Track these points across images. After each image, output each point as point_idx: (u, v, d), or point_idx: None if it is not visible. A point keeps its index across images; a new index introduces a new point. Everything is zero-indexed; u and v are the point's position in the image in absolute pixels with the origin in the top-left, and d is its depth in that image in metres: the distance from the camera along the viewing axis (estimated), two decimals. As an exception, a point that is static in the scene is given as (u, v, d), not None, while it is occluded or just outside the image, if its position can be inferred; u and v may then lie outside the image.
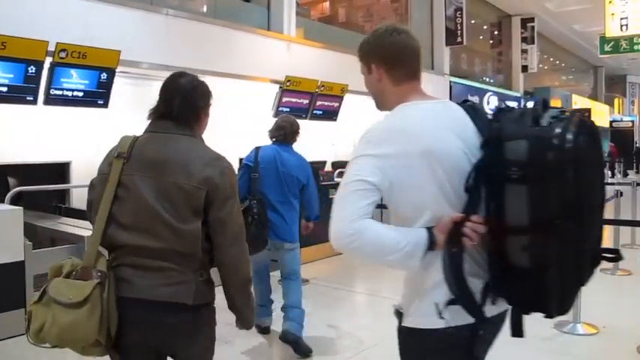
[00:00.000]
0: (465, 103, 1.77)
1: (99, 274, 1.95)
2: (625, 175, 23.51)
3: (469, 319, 1.59)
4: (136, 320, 1.96)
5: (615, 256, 1.68)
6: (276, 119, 4.53)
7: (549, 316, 1.62)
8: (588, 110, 20.07)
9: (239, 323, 2.23)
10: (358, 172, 1.57)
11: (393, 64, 1.79)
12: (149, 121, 2.21)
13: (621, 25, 14.99)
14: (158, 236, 1.97)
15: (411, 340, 1.75)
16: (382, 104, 1.83)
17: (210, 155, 2.08)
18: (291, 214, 4.19)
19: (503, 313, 1.70)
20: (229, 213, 2.04)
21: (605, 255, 1.65)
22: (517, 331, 1.66)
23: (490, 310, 1.64)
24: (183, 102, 2.13)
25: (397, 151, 1.58)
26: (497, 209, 1.53)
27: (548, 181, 1.45)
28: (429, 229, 1.57)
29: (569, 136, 1.44)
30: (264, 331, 4.47)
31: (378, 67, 1.81)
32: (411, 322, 1.71)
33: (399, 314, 1.77)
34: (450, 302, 1.58)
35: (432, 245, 1.56)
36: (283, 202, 4.15)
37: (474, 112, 1.74)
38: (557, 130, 1.46)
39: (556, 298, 1.58)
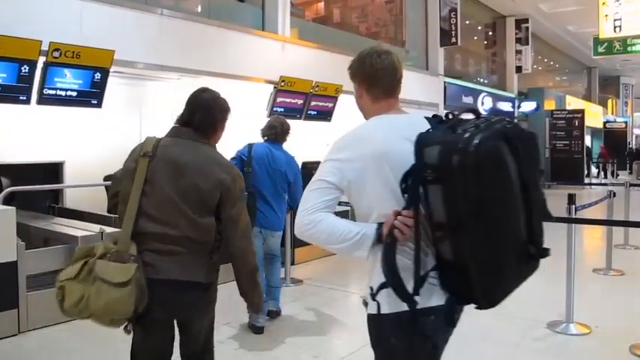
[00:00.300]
0: (434, 117, 1.89)
1: (132, 257, 2.29)
2: (616, 175, 23.62)
3: (407, 307, 1.75)
4: (160, 298, 2.33)
5: (541, 253, 1.79)
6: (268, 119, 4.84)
7: (480, 307, 1.75)
8: (581, 111, 20.11)
9: (249, 307, 2.80)
10: (321, 173, 1.88)
11: (371, 83, 2.03)
12: (173, 126, 2.54)
13: (615, 27, 15.07)
14: (178, 226, 2.35)
15: (370, 325, 1.94)
16: (365, 117, 2.09)
17: (224, 163, 2.51)
18: (280, 206, 4.69)
19: (449, 307, 1.82)
20: (239, 212, 2.45)
21: (530, 252, 1.75)
22: (448, 320, 1.85)
23: (435, 301, 1.80)
24: (204, 115, 2.50)
25: (354, 156, 1.85)
26: (426, 207, 1.71)
27: (455, 181, 1.62)
28: (380, 224, 1.79)
29: (475, 141, 1.59)
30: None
31: (360, 86, 2.08)
32: (368, 309, 1.91)
33: (365, 304, 1.94)
34: (381, 286, 1.79)
35: (380, 238, 1.78)
36: (274, 194, 4.60)
37: (438, 123, 1.82)
38: (465, 136, 1.62)
39: (480, 291, 1.69)
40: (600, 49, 16.20)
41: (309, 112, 9.71)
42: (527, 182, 1.72)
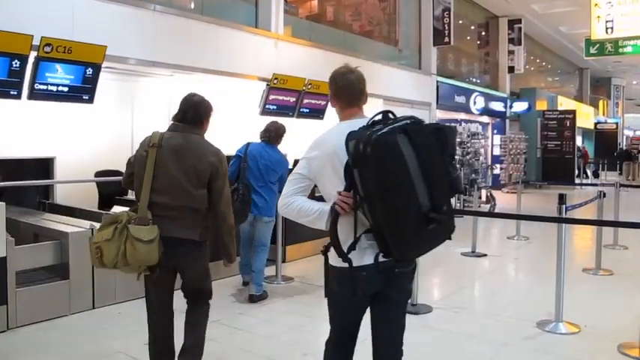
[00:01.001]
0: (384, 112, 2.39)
1: (150, 220, 3.11)
2: (596, 176, 23.79)
3: (345, 263, 2.31)
4: (166, 250, 3.13)
5: (436, 217, 2.21)
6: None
7: (395, 260, 2.29)
8: (573, 112, 20.22)
9: (225, 258, 3.41)
10: (297, 168, 2.54)
11: (339, 96, 2.62)
12: (171, 123, 3.35)
13: (606, 28, 15.14)
14: (179, 198, 3.19)
15: (325, 270, 2.52)
16: (339, 120, 2.66)
17: (213, 149, 3.34)
18: (269, 195, 5.40)
19: (382, 263, 2.31)
20: (222, 185, 3.28)
21: (431, 217, 2.21)
22: (379, 270, 2.33)
23: (367, 260, 2.34)
24: (194, 113, 3.34)
25: (318, 154, 2.48)
26: (356, 187, 2.25)
27: (364, 165, 2.18)
28: (335, 203, 2.31)
29: (375, 136, 2.14)
30: (245, 284, 5.67)
31: (331, 98, 2.67)
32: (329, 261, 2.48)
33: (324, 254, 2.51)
34: (329, 245, 2.41)
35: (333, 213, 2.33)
36: (263, 186, 5.39)
37: (382, 118, 2.32)
38: (372, 131, 2.17)
39: (392, 248, 2.23)
40: (592, 51, 16.27)
41: (301, 109, 9.71)
42: (427, 165, 2.20)
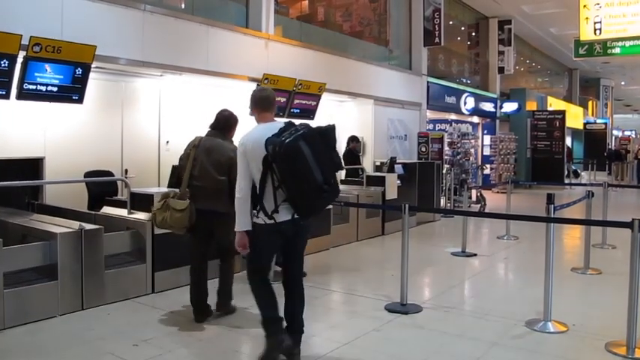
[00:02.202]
0: (287, 122, 3.72)
1: (187, 197, 4.62)
2: (576, 175, 23.93)
3: (271, 220, 3.65)
4: (202, 217, 4.62)
5: (327, 188, 3.60)
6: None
7: (301, 216, 3.67)
8: (562, 112, 20.34)
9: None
10: (238, 159, 3.77)
11: (256, 105, 3.97)
12: (208, 130, 4.85)
13: (595, 30, 15.23)
14: (208, 182, 4.63)
15: (254, 228, 3.74)
16: (257, 123, 3.95)
17: (232, 146, 4.57)
18: None
19: (295, 219, 3.67)
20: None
21: (324, 188, 3.58)
22: (295, 222, 3.68)
23: (284, 217, 3.65)
24: (224, 123, 4.88)
25: (248, 145, 3.71)
26: (274, 174, 3.58)
27: (279, 161, 3.51)
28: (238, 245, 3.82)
29: (285, 141, 3.46)
30: None
31: (253, 107, 3.98)
32: (254, 220, 3.75)
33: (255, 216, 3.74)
34: (258, 210, 3.69)
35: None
36: None
37: (287, 127, 3.63)
38: (282, 139, 3.48)
39: (300, 210, 3.65)
40: (581, 51, 16.36)
41: (292, 110, 9.71)
42: (320, 158, 3.56)
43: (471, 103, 17.07)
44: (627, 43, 15.32)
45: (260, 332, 3.83)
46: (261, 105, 3.95)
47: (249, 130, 3.82)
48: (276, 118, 3.94)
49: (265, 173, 3.60)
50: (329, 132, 3.76)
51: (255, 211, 3.72)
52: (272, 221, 3.63)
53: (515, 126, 19.96)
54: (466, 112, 16.95)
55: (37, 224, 5.30)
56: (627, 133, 39.50)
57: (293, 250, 3.90)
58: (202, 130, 4.90)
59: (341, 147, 11.55)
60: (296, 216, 3.64)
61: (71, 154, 7.02)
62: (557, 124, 19.68)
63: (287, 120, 3.74)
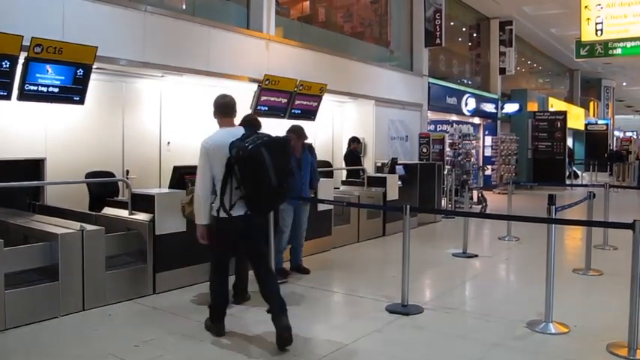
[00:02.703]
0: (247, 128, 4.30)
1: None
2: (575, 177, 23.87)
3: (227, 215, 4.11)
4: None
5: (280, 190, 4.10)
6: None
7: (253, 213, 4.16)
8: (564, 113, 20.32)
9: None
10: (200, 160, 4.19)
11: (218, 111, 4.43)
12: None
13: (596, 30, 15.22)
14: None
15: (215, 222, 4.20)
16: (219, 127, 4.39)
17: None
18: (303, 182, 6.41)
19: (247, 215, 4.14)
20: None
21: (278, 190, 4.08)
22: (248, 217, 4.15)
23: (239, 212, 4.11)
24: (249, 124, 5.04)
25: (212, 148, 4.13)
26: (235, 174, 4.03)
27: (240, 164, 3.97)
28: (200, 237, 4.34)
29: (248, 147, 3.93)
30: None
31: (215, 112, 4.43)
32: (214, 213, 4.20)
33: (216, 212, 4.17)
34: (218, 207, 4.12)
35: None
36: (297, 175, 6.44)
37: (249, 133, 4.11)
38: (245, 144, 3.94)
39: (252, 208, 4.12)
40: (582, 52, 16.36)
41: (293, 110, 9.71)
42: (276, 164, 4.00)
43: (472, 103, 17.06)
44: (629, 44, 15.33)
45: (261, 334, 3.83)
46: (223, 111, 4.38)
47: (212, 134, 4.27)
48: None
49: (227, 174, 4.05)
50: (286, 143, 4.39)
51: (213, 206, 4.17)
52: (227, 216, 4.09)
53: (516, 127, 19.94)
54: (467, 113, 16.94)
55: (38, 225, 5.30)
56: (628, 134, 39.50)
57: (253, 253, 4.35)
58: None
59: (342, 148, 11.57)
60: (248, 212, 4.13)
61: (72, 155, 7.02)
62: (559, 125, 19.67)
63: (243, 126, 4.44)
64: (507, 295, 6.07)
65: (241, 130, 4.17)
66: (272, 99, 9.23)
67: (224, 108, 4.37)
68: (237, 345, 4.30)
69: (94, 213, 5.97)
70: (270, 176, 3.95)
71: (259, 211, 4.24)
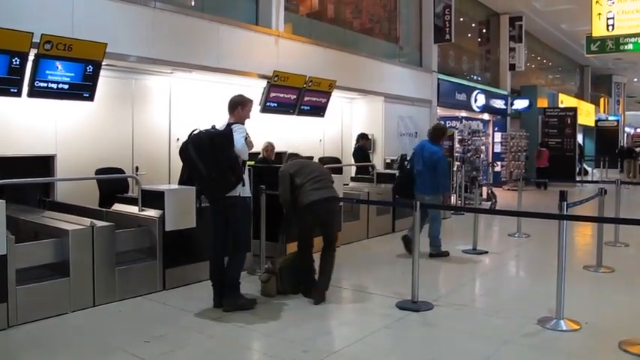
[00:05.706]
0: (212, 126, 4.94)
1: None
2: (585, 173, 23.70)
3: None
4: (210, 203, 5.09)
5: (209, 178, 4.70)
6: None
7: (210, 201, 5.02)
8: (574, 109, 20.19)
9: None
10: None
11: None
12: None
13: (607, 26, 15.09)
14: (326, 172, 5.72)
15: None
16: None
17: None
18: (430, 178, 7.16)
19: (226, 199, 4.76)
20: None
21: (207, 179, 4.70)
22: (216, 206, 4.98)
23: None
24: None
25: None
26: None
27: (184, 161, 4.90)
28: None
29: (182, 143, 4.83)
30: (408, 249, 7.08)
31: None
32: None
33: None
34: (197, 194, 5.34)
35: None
36: (423, 172, 7.21)
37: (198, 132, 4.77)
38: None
39: (205, 194, 5.07)
40: (593, 48, 16.25)
41: (302, 107, 9.71)
42: (202, 155, 4.59)
43: (481, 100, 16.99)
44: (640, 39, 15.19)
45: (270, 330, 3.82)
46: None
47: None
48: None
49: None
50: (214, 137, 4.67)
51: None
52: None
53: (526, 123, 19.84)
54: (477, 109, 16.86)
55: (49, 221, 5.33)
56: (639, 130, 39.16)
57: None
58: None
59: (351, 144, 11.55)
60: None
61: (82, 152, 7.05)
62: (569, 122, 19.55)
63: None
64: (518, 292, 6.04)
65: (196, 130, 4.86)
66: (281, 95, 9.23)
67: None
68: (247, 341, 4.30)
69: (104, 209, 5.99)
70: (198, 168, 4.64)
71: (205, 197, 5.08)
